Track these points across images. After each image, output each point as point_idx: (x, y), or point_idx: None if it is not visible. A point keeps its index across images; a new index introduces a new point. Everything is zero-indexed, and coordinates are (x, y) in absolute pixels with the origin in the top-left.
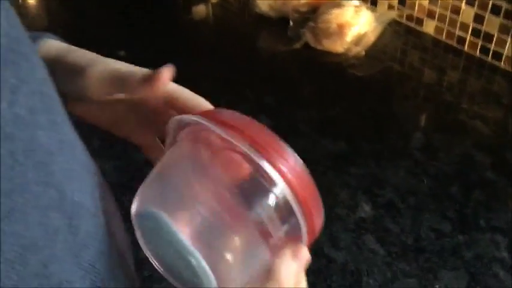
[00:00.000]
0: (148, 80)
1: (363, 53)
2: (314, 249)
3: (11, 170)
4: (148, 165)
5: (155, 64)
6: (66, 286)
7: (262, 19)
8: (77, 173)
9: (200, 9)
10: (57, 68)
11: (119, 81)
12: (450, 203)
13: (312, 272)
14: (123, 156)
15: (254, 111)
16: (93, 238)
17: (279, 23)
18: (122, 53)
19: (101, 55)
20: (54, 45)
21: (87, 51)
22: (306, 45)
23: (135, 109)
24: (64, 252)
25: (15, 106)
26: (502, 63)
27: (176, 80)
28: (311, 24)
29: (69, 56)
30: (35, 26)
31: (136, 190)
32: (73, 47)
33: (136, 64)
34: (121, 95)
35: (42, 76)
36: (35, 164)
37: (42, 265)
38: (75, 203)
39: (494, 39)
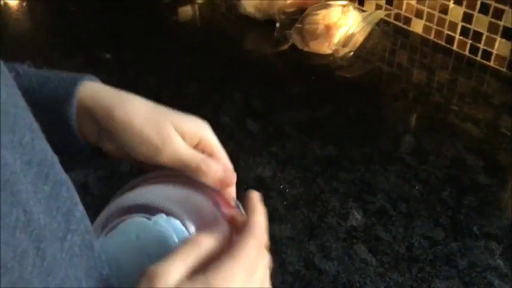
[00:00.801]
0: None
1: (351, 54)
2: (304, 260)
3: None
4: (134, 175)
5: (141, 65)
6: None
7: (249, 20)
8: (45, 194)
9: (186, 10)
10: (109, 123)
11: (184, 165)
12: (442, 208)
13: (302, 285)
14: (106, 167)
15: (241, 114)
16: (59, 263)
17: (265, 24)
18: (108, 55)
19: (87, 58)
20: (100, 93)
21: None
22: (293, 47)
23: None
24: (33, 275)
25: None
26: (492, 62)
27: (161, 81)
28: (298, 25)
29: (123, 123)
30: (18, 29)
31: None
32: (117, 98)
33: (121, 66)
34: None
35: (6, 95)
36: (1, 183)
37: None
38: (41, 226)
39: (484, 38)
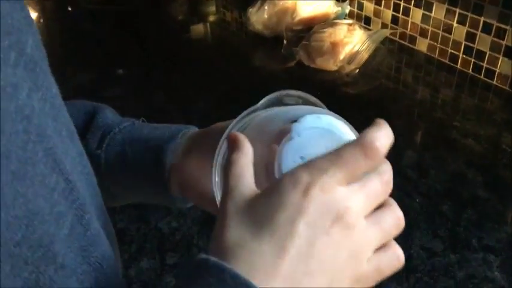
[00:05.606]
0: None
1: (357, 71)
2: None
3: (25, 144)
4: None
5: (152, 81)
6: (68, 271)
7: (258, 37)
8: (87, 177)
9: (198, 28)
10: None
11: None
12: (442, 221)
13: None
14: None
15: None
16: (103, 238)
17: (273, 41)
18: (120, 71)
19: (100, 74)
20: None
21: None
22: (300, 64)
23: None
24: (71, 240)
25: (33, 99)
26: (495, 80)
27: (173, 95)
28: (304, 42)
29: None
30: None
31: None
32: None
33: (134, 82)
34: None
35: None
36: (44, 149)
37: (49, 240)
38: (86, 198)
39: (487, 57)
